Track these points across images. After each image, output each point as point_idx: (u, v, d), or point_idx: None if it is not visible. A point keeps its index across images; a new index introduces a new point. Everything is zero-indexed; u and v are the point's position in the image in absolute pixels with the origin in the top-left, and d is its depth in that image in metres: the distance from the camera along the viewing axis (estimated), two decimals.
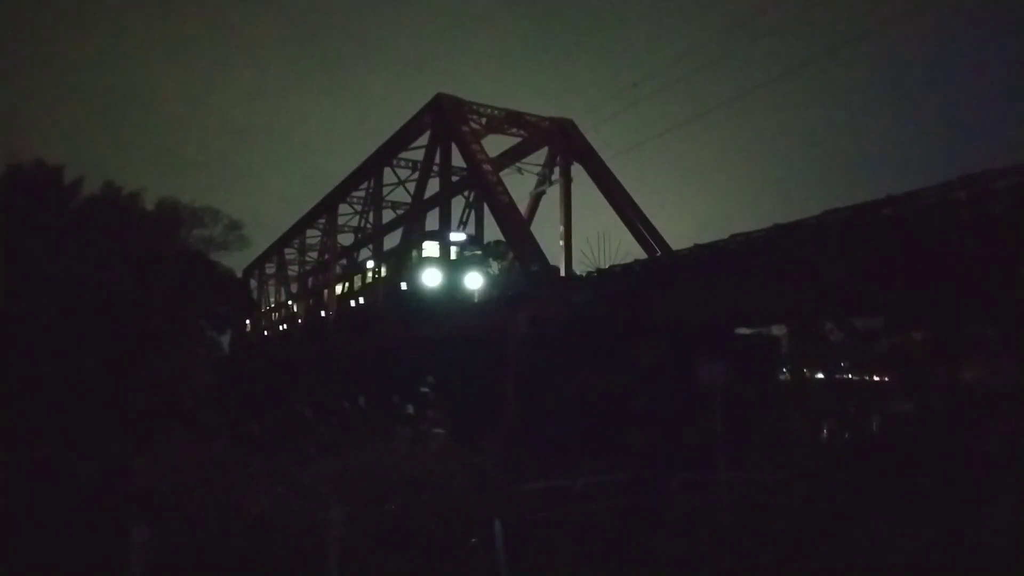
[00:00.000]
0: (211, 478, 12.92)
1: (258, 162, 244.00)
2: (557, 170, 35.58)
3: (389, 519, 10.35)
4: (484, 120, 33.95)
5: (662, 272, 20.00)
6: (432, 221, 38.43)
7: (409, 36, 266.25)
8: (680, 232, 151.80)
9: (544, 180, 36.53)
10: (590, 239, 38.70)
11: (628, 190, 32.79)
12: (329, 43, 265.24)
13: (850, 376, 20.34)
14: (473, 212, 39.70)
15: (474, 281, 33.32)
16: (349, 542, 9.85)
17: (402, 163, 41.42)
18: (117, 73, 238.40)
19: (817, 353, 18.47)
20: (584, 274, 23.06)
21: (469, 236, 38.47)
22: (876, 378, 21.00)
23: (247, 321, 64.78)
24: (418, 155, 38.01)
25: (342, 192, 47.85)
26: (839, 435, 20.65)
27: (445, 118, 32.79)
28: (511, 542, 10.33)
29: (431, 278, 35.19)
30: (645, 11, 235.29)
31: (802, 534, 13.22)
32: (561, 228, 35.04)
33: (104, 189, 25.89)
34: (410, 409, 17.78)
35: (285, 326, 63.97)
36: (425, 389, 20.81)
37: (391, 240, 43.33)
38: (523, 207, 33.94)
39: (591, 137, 34.95)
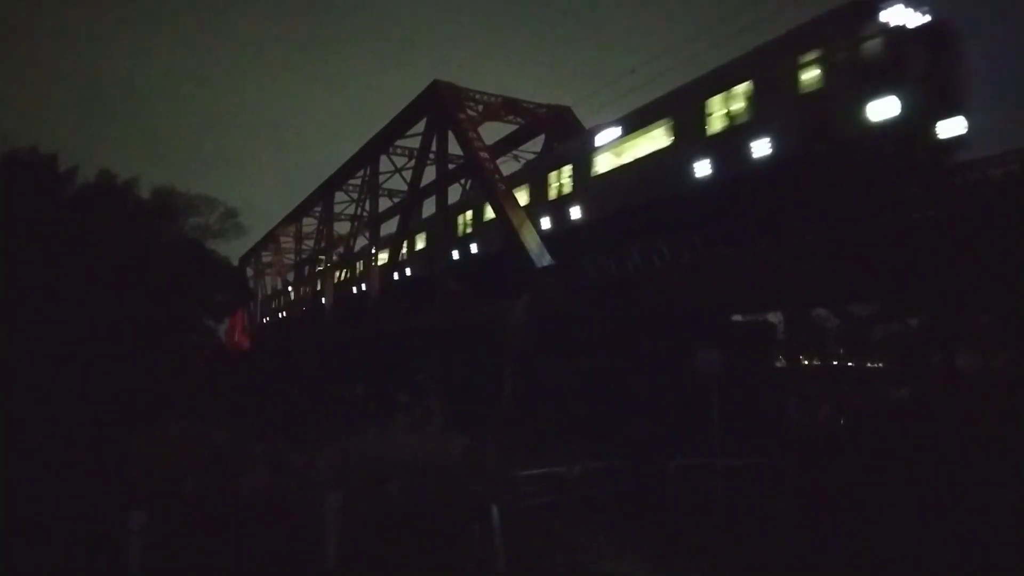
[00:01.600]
0: (208, 465, 12.98)
1: (253, 150, 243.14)
2: None
3: (387, 505, 10.41)
4: (481, 107, 33.78)
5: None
6: (429, 208, 38.44)
7: (402, 23, 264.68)
8: None
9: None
10: None
11: None
12: (321, 30, 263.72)
13: (847, 363, 20.43)
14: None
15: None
16: (347, 528, 9.92)
17: (398, 151, 41.26)
18: (103, 61, 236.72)
19: (812, 339, 18.52)
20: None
21: None
22: (872, 365, 21.09)
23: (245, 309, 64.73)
24: (415, 143, 37.86)
25: (338, 180, 47.68)
26: (834, 421, 20.76)
27: (442, 105, 32.62)
28: (509, 527, 10.41)
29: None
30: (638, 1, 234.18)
31: (793, 520, 13.34)
32: None
33: (99, 177, 25.73)
34: (408, 396, 17.81)
35: (283, 314, 63.95)
36: (423, 376, 20.85)
37: (388, 228, 43.31)
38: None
39: (588, 124, 34.84)
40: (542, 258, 23.88)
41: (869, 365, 20.69)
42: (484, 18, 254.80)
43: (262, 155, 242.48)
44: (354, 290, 46.89)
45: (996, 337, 15.95)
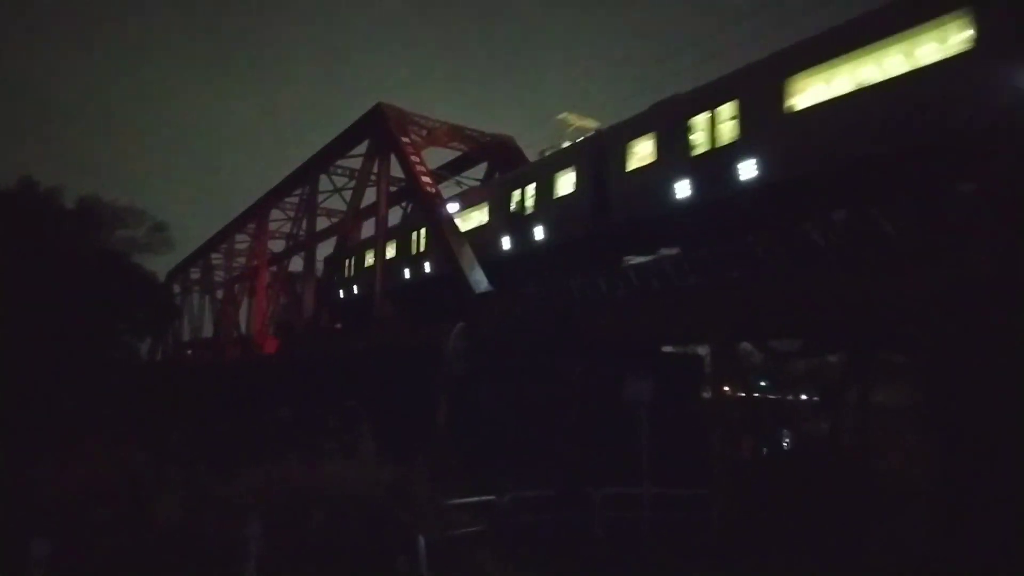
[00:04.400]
0: (123, 489, 12.39)
1: (182, 165, 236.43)
2: None
3: (309, 535, 10.14)
4: (425, 132, 33.91)
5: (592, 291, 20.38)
6: (368, 230, 38.11)
7: (342, 48, 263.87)
8: None
9: None
10: None
11: None
12: (256, 50, 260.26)
13: (769, 396, 21.15)
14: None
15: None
16: (267, 558, 9.61)
17: (339, 171, 40.90)
18: (25, 72, 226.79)
19: (737, 372, 19.15)
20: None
21: None
22: (792, 397, 21.88)
23: (169, 327, 62.33)
24: (356, 163, 37.63)
25: (275, 197, 46.82)
26: (757, 451, 21.37)
27: (385, 127, 32.59)
28: (436, 558, 10.28)
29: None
30: (588, 30, 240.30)
31: (716, 550, 13.63)
32: None
33: (20, 184, 24.60)
34: (338, 422, 17.46)
35: (212, 334, 61.86)
36: (352, 402, 20.47)
37: (325, 248, 42.65)
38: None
39: (532, 155, 35.44)
40: (479, 284, 23.97)
41: (790, 398, 21.48)
42: (424, 49, 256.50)
43: (192, 171, 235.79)
44: (287, 310, 45.87)
45: (910, 374, 16.80)
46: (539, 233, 23.69)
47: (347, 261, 38.57)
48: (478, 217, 27.69)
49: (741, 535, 14.21)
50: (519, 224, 24.66)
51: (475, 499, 13.97)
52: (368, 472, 12.18)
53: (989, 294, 12.29)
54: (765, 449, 19.54)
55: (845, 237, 13.70)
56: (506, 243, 25.34)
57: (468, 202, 29.10)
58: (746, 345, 20.34)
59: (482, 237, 26.23)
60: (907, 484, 14.70)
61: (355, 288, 38.18)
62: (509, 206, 25.53)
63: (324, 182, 41.60)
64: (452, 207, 28.94)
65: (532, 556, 12.66)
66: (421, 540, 10.02)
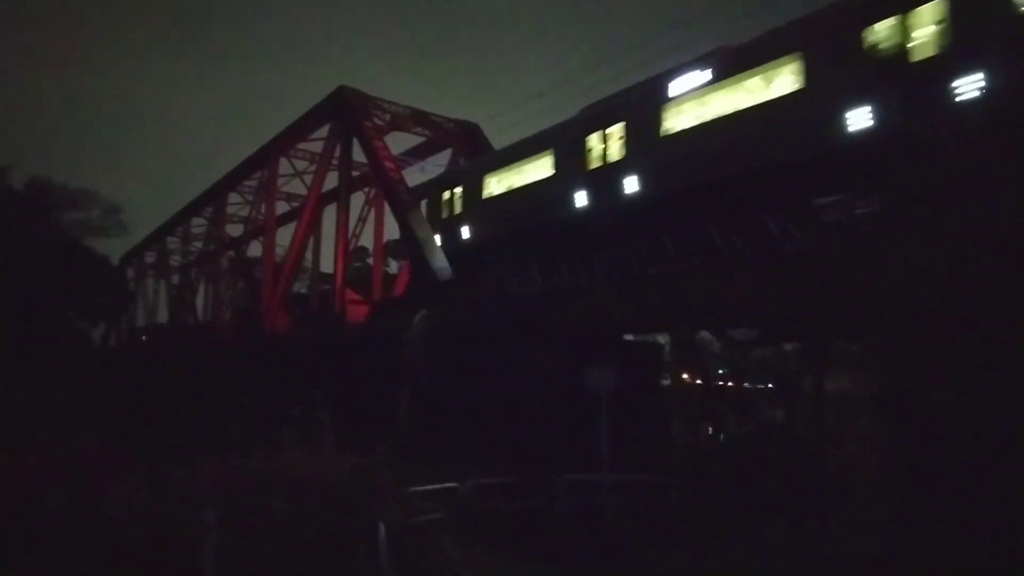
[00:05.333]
0: (76, 479, 12.09)
1: (139, 148, 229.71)
2: None
3: (270, 523, 10.03)
4: (388, 116, 33.51)
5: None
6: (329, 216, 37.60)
7: (305, 33, 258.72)
8: None
9: None
10: None
11: None
12: (218, 32, 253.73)
13: (727, 383, 21.58)
14: (373, 209, 39.10)
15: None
16: (225, 547, 9.49)
17: (299, 154, 40.20)
18: None
19: (697, 360, 19.49)
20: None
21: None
22: (749, 385, 22.35)
23: (123, 313, 60.79)
24: (317, 147, 37.04)
25: (232, 180, 45.80)
26: (715, 438, 21.82)
27: (347, 111, 32.11)
28: (398, 545, 10.27)
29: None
30: (558, 18, 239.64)
31: (676, 535, 13.92)
32: None
33: None
34: (299, 410, 17.28)
35: (168, 319, 60.51)
36: (315, 391, 20.30)
37: (286, 232, 41.97)
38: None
39: (500, 141, 35.31)
40: (443, 272, 23.89)
41: (747, 385, 21.95)
42: (392, 35, 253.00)
43: (149, 153, 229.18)
44: (247, 296, 45.09)
45: (862, 364, 17.30)
46: (634, 184, 18.64)
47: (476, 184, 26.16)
48: (534, 171, 22.59)
49: (698, 520, 14.53)
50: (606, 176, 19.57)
51: (438, 486, 14.01)
52: (329, 460, 12.09)
53: (939, 284, 12.71)
54: (723, 435, 19.97)
55: (802, 229, 14.02)
56: (582, 199, 20.27)
57: (514, 155, 23.92)
58: (705, 334, 20.70)
59: (542, 194, 21.66)
60: (860, 470, 15.18)
61: (317, 276, 37.77)
62: (590, 152, 20.30)
63: (285, 166, 40.88)
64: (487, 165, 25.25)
65: (494, 542, 12.77)
66: (382, 527, 10.01)
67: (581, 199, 20.29)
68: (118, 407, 24.76)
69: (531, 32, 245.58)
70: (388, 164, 29.47)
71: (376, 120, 32.26)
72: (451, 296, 22.51)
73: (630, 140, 19.00)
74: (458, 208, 26.02)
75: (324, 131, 35.44)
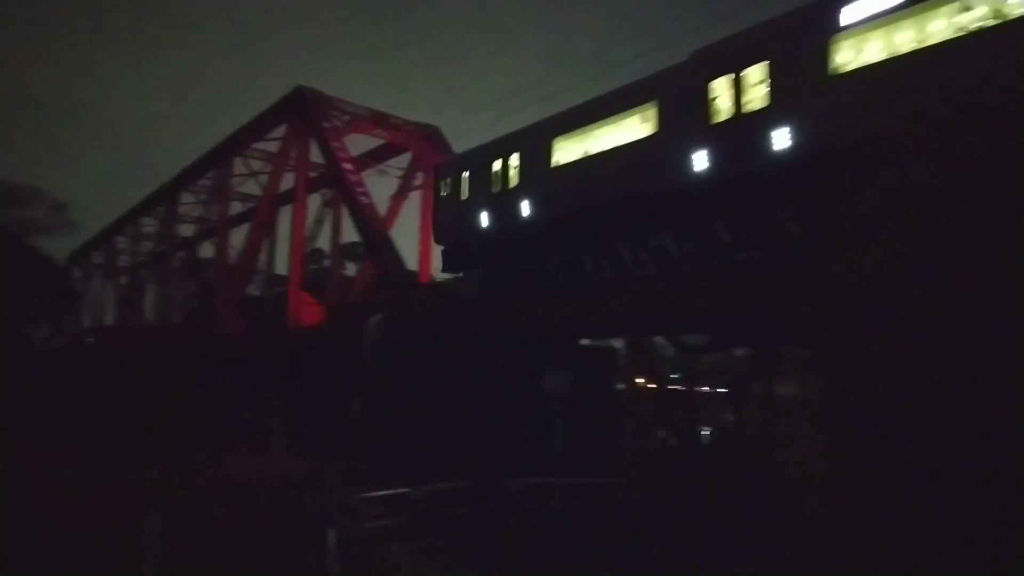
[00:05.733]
0: (10, 487, 11.65)
1: (87, 144, 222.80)
2: (421, 175, 35.46)
3: (215, 531, 9.82)
4: (347, 118, 33.24)
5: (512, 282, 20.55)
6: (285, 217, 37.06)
7: (266, 28, 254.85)
8: None
9: (407, 184, 36.28)
10: None
11: None
12: (171, 28, 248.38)
13: (679, 387, 21.92)
14: (331, 211, 38.68)
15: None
16: (168, 555, 9.26)
17: (255, 154, 39.56)
18: None
19: (650, 365, 19.78)
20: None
21: None
22: (700, 389, 22.75)
23: (67, 314, 58.90)
24: (274, 147, 36.51)
25: (185, 180, 44.84)
26: (667, 442, 22.09)
27: (305, 111, 31.76)
28: (348, 552, 10.16)
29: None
30: (522, 22, 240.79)
31: (626, 539, 14.07)
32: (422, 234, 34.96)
33: None
34: (249, 415, 16.98)
35: (115, 320, 58.80)
36: (268, 394, 19.97)
37: (240, 234, 41.22)
38: (384, 210, 33.49)
39: (463, 144, 35.25)
40: (400, 275, 23.76)
41: (697, 390, 22.34)
42: (356, 38, 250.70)
43: (98, 151, 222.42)
44: (199, 298, 44.10)
45: (810, 369, 17.72)
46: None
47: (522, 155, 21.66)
48: (628, 130, 18.39)
49: (649, 523, 14.69)
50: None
51: (390, 492, 13.89)
52: (279, 465, 11.90)
53: (881, 291, 13.08)
54: (675, 440, 20.27)
55: (751, 237, 14.34)
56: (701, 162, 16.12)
57: (594, 112, 19.62)
58: (659, 339, 21.00)
59: (640, 156, 17.54)
60: (806, 473, 15.53)
61: (271, 278, 37.10)
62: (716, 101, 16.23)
63: (240, 166, 40.19)
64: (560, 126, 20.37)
65: (445, 548, 12.70)
66: (331, 534, 9.89)
67: (700, 162, 16.02)
68: (59, 411, 23.94)
69: (495, 39, 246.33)
70: (346, 165, 29.24)
71: (335, 121, 31.98)
72: (410, 299, 22.37)
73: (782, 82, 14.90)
74: (514, 181, 21.19)
75: (282, 131, 35.00)
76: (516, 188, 21.11)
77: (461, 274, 23.96)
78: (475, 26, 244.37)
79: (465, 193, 23.01)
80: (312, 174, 34.90)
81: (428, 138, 35.22)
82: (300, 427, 16.22)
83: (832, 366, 14.36)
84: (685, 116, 16.67)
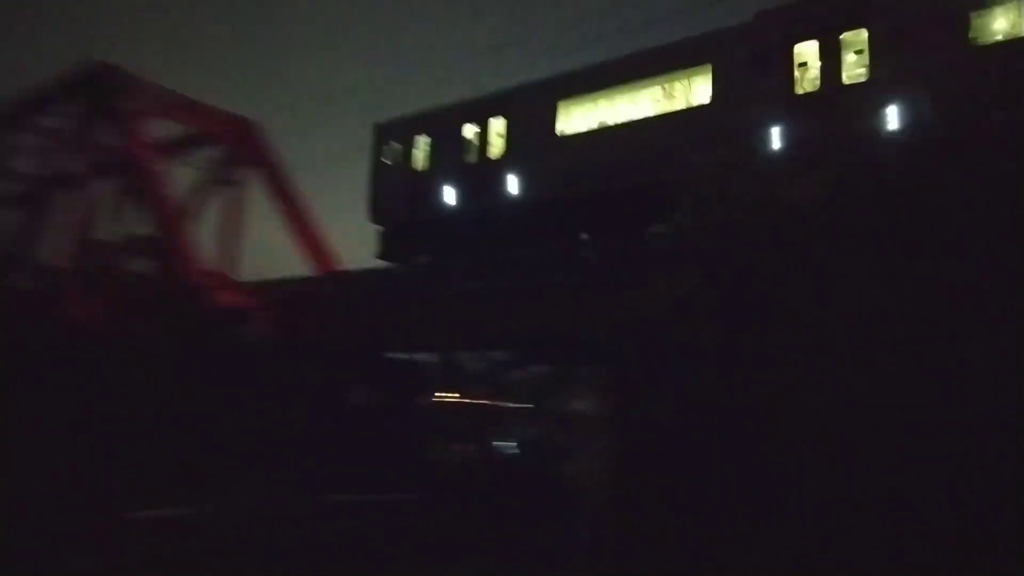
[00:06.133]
0: None
1: None
2: (233, 170, 33.17)
3: None
4: (151, 100, 30.33)
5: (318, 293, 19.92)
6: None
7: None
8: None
9: (215, 178, 33.77)
10: (266, 247, 36.57)
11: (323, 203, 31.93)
12: None
13: (485, 401, 22.43)
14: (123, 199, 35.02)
15: None
16: None
17: (35, 129, 34.87)
18: None
19: (457, 379, 20.07)
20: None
21: None
22: (504, 404, 23.48)
23: None
24: (61, 124, 32.44)
25: None
26: (472, 455, 22.48)
27: (101, 88, 28.61)
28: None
29: None
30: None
31: (423, 549, 14.11)
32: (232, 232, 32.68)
33: None
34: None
35: None
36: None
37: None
38: (189, 203, 30.90)
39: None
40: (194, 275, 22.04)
41: (501, 404, 23.03)
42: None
43: None
44: None
45: (606, 385, 18.91)
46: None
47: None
48: (665, 99, 15.89)
49: (447, 534, 14.83)
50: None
51: (170, 512, 12.78)
52: (18, 484, 10.46)
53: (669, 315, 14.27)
54: (479, 452, 20.69)
55: (554, 261, 15.09)
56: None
57: (619, 73, 16.61)
58: (468, 354, 21.37)
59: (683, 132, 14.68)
60: (593, 483, 16.52)
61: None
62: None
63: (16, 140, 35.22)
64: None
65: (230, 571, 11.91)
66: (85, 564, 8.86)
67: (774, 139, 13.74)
68: None
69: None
70: (143, 151, 26.68)
71: (137, 103, 29.11)
72: (201, 303, 20.74)
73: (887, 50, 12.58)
74: (497, 150, 17.59)
75: (74, 109, 31.25)
76: (501, 160, 17.40)
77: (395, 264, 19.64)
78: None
79: (422, 162, 18.93)
80: (103, 159, 31.45)
81: (243, 132, 33.11)
82: (66, 438, 14.46)
83: (622, 384, 15.47)
84: (751, 83, 14.25)
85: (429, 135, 19.17)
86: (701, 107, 14.96)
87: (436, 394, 20.36)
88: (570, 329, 15.39)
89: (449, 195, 18.12)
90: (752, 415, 13.65)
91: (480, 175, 17.65)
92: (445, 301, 16.35)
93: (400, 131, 19.98)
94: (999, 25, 11.68)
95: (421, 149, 19.13)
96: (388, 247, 19.52)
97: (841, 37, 13.40)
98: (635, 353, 14.68)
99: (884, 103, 12.49)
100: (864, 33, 13.09)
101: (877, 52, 12.84)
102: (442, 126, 19.00)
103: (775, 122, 13.86)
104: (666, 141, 14.56)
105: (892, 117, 12.46)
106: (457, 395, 20.49)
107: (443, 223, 18.04)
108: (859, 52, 13.31)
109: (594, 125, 16.48)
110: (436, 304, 16.81)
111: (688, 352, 14.34)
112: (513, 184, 17.01)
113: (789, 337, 12.58)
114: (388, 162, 19.82)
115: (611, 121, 16.12)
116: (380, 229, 19.88)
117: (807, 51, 13.89)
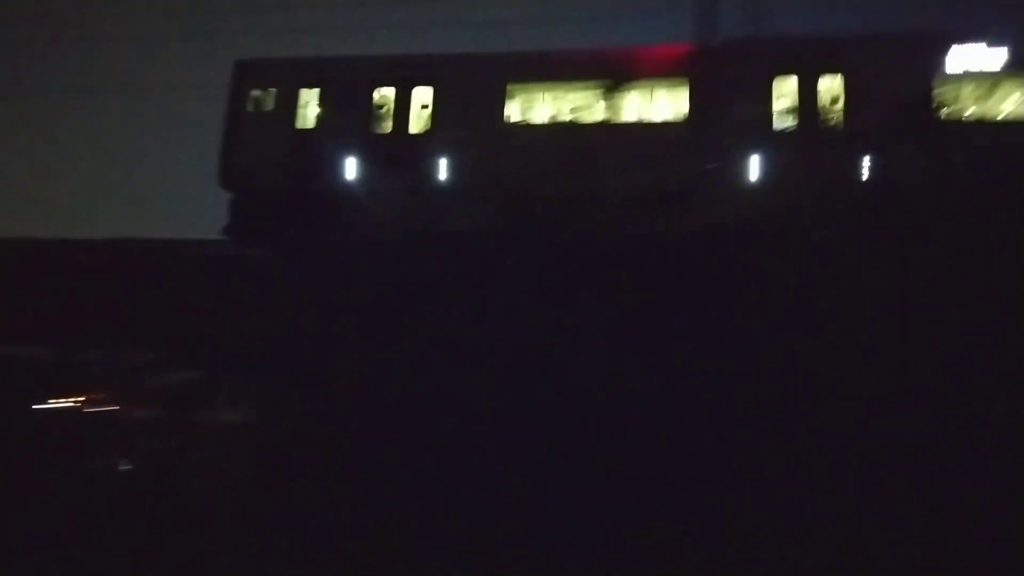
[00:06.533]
0: None
1: None
2: None
3: None
4: None
5: None
6: None
7: None
8: None
9: None
10: None
11: None
12: None
13: (117, 408, 20.11)
14: None
15: None
16: None
17: None
18: None
19: (83, 381, 17.84)
20: None
21: None
22: (139, 412, 21.29)
23: None
24: None
25: None
26: (114, 468, 19.94)
27: None
28: None
29: None
30: None
31: None
32: None
33: None
34: None
35: None
36: None
37: None
38: None
39: None
40: None
41: (138, 413, 20.89)
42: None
43: None
44: None
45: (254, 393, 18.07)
46: None
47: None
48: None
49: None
50: None
51: None
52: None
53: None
54: (104, 465, 18.34)
55: None
56: None
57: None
58: (96, 353, 19.11)
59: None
60: (227, 498, 15.59)
61: None
62: None
63: None
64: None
65: None
66: None
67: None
68: None
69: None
70: None
71: None
72: None
73: None
74: (422, 122, 15.87)
75: None
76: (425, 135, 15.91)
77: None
78: None
79: (311, 120, 16.19)
80: None
81: None
82: None
83: (269, 394, 15.08)
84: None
85: (323, 88, 16.74)
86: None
87: (55, 397, 17.77)
88: (213, 332, 14.57)
89: (347, 166, 16.16)
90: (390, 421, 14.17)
91: (393, 149, 16.10)
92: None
93: (278, 77, 17.14)
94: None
95: (310, 104, 16.70)
96: (237, 218, 16.93)
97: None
98: (284, 361, 14.47)
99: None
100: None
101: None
102: (343, 81, 16.70)
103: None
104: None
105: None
106: (84, 401, 18.12)
107: (330, 195, 16.01)
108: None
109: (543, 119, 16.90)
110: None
111: (337, 362, 14.50)
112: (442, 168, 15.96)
113: (423, 350, 13.36)
114: (256, 112, 17.03)
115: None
116: (233, 196, 17.09)
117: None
